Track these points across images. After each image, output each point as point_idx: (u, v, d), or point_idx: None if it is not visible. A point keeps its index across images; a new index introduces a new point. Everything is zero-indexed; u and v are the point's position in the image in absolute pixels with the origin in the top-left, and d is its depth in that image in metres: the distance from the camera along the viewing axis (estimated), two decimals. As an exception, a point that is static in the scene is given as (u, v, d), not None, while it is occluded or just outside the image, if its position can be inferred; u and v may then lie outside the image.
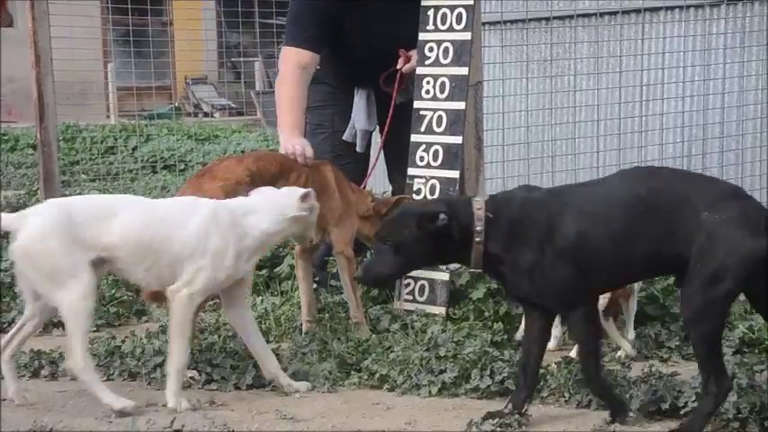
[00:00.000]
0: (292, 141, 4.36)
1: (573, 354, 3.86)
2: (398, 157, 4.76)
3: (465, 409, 3.50)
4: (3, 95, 15.98)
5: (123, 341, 4.10)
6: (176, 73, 13.86)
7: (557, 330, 4.07)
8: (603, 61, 6.48)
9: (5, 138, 12.24)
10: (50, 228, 3.42)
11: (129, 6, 8.09)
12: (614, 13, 6.45)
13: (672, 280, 4.39)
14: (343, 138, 4.81)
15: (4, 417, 3.49)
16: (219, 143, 11.39)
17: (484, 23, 5.18)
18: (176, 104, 15.59)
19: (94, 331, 4.59)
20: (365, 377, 3.79)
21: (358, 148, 4.82)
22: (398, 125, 4.73)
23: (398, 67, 4.72)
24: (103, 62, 13.45)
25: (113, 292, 4.89)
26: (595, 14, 6.48)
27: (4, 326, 4.62)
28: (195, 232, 3.50)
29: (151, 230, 3.50)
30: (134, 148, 10.18)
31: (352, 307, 4.32)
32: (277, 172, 4.14)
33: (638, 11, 6.34)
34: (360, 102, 4.81)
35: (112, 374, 3.90)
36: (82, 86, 10.68)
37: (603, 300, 3.84)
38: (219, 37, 14.98)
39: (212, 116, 17.20)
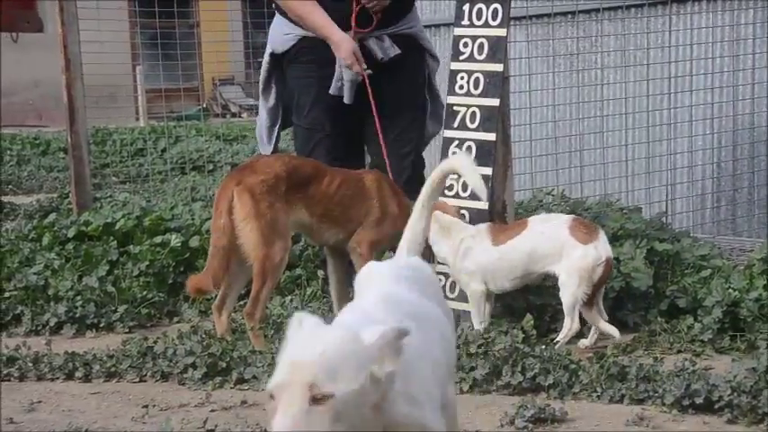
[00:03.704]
0: (348, 44, 4.54)
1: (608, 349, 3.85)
2: (386, 127, 4.64)
3: (496, 406, 3.49)
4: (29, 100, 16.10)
5: (155, 342, 4.13)
6: (204, 74, 13.93)
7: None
8: (630, 54, 6.44)
9: (37, 142, 12.36)
10: None
11: (157, 9, 8.13)
12: (641, 6, 6.41)
13: (705, 273, 4.39)
14: (330, 92, 4.65)
15: (41, 418, 3.53)
16: (248, 143, 11.43)
17: (509, 19, 5.16)
18: (204, 105, 15.67)
19: (127, 332, 4.64)
20: (396, 375, 3.79)
21: (346, 100, 4.64)
22: (384, 89, 4.61)
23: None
24: (132, 65, 13.55)
25: (145, 293, 4.92)
26: (621, 7, 6.44)
27: (39, 328, 4.67)
28: None
29: None
30: (163, 150, 10.24)
31: None
32: (311, 173, 4.30)
33: (664, 2, 6.29)
34: None
35: (145, 375, 3.92)
36: (111, 90, 10.75)
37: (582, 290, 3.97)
38: (246, 38, 15.03)
39: (240, 116, 17.28)
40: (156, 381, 3.91)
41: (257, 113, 5.12)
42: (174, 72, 9.25)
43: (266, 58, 4.81)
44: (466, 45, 4.56)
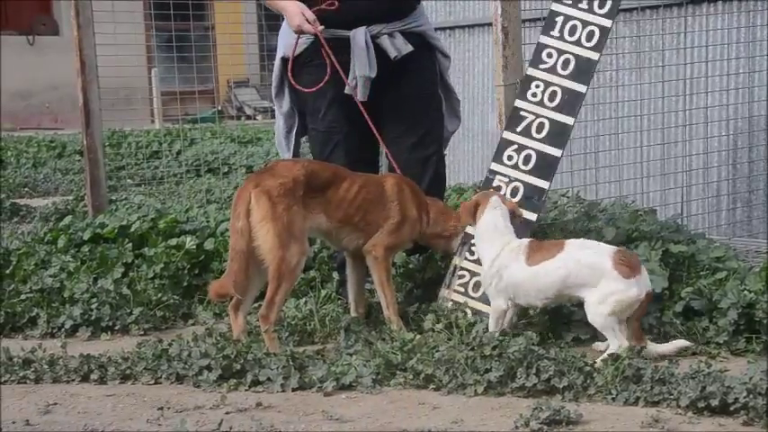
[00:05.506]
0: (294, 8, 4.54)
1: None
2: (408, 128, 4.66)
3: (511, 408, 3.49)
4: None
5: (170, 344, 4.14)
6: (219, 77, 13.93)
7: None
8: (646, 56, 6.42)
9: (53, 144, 12.42)
10: None
11: (172, 12, 8.16)
12: (656, 8, 6.39)
13: (720, 275, 4.37)
14: (345, 91, 4.62)
15: (57, 420, 3.55)
16: (262, 145, 11.46)
17: (524, 20, 5.15)
18: (219, 108, 15.71)
19: (142, 335, 4.65)
20: (411, 377, 3.80)
21: (360, 97, 4.59)
22: (401, 90, 4.62)
23: None
24: (147, 68, 13.59)
25: (159, 295, 4.93)
26: (637, 9, 6.42)
27: (54, 331, 4.69)
28: None
29: None
30: (178, 153, 10.28)
31: (383, 304, 4.39)
32: (330, 177, 4.31)
33: (680, 4, 6.27)
34: (358, 47, 4.59)
35: (160, 377, 3.93)
36: (126, 92, 10.79)
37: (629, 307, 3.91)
38: (261, 40, 15.08)
39: (255, 119, 17.33)
40: (171, 383, 3.92)
41: (274, 117, 5.11)
42: (189, 74, 9.27)
43: (278, 62, 4.81)
44: (550, 56, 4.48)
